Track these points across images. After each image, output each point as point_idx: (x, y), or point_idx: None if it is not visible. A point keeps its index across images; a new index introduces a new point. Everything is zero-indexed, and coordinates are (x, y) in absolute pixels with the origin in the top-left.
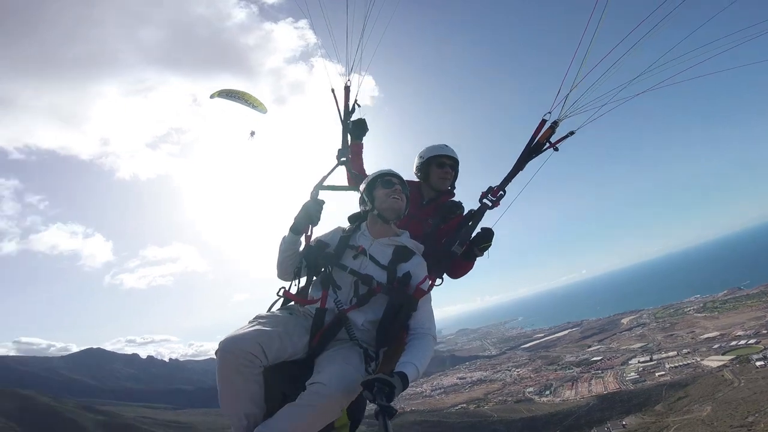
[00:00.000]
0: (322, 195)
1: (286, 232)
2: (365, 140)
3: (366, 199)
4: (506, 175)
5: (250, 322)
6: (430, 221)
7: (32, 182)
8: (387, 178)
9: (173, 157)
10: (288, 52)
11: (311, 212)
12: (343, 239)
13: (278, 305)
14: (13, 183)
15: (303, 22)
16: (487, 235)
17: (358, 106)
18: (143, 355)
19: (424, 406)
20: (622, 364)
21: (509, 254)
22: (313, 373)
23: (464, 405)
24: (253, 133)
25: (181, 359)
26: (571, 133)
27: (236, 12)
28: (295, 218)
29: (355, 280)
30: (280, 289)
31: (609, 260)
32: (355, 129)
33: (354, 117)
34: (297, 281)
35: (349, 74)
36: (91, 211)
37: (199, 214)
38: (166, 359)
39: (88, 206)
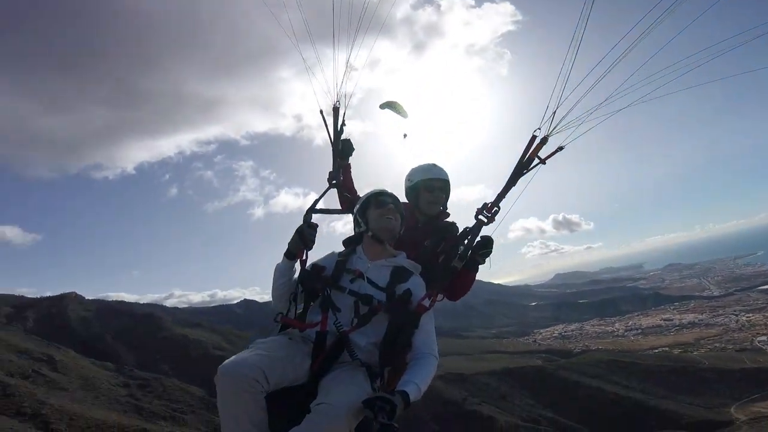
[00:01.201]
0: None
1: (279, 259)
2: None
3: (360, 220)
4: (500, 191)
5: (249, 348)
6: (426, 243)
7: (260, 160)
8: (380, 198)
9: (349, 119)
10: None
11: (305, 236)
12: (340, 263)
13: (276, 332)
14: (249, 163)
15: None
16: (487, 242)
17: (344, 125)
18: None
19: (614, 346)
20: None
21: (750, 164)
22: (318, 395)
23: (666, 348)
24: (405, 135)
25: None
26: (560, 148)
27: None
28: (288, 244)
29: (355, 301)
30: (277, 315)
31: None
32: (342, 149)
33: (342, 137)
34: (294, 307)
35: (337, 95)
36: (303, 175)
37: (382, 164)
38: None
39: (300, 171)
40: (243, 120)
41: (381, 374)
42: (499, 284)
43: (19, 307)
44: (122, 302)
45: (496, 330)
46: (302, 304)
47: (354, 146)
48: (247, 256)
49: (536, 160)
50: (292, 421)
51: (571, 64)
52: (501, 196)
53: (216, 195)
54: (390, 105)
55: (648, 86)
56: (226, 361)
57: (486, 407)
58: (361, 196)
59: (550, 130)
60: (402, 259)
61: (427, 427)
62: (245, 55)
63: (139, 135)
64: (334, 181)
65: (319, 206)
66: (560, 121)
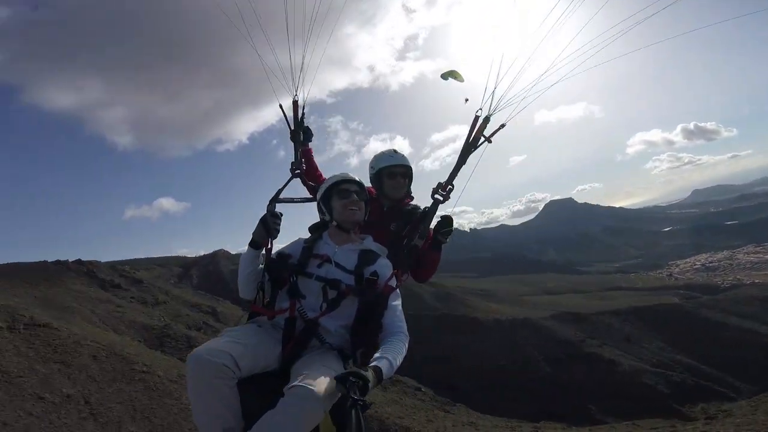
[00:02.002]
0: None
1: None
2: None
3: (324, 208)
4: (452, 170)
5: (219, 337)
6: (392, 227)
7: (348, 113)
8: (342, 186)
9: (418, 60)
10: None
11: (269, 225)
12: (306, 249)
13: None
14: (338, 119)
15: None
16: (447, 221)
17: (304, 115)
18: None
19: None
20: None
21: None
22: (291, 379)
23: None
24: (467, 100)
25: (478, 228)
26: (502, 125)
27: None
28: (252, 233)
29: (323, 286)
30: (245, 304)
31: None
32: (303, 137)
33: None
34: (262, 296)
35: (297, 88)
36: (387, 121)
37: (456, 96)
38: (467, 229)
39: (383, 118)
40: (324, 80)
41: (353, 357)
42: (620, 207)
43: (185, 267)
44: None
45: (620, 263)
46: (270, 292)
47: (313, 133)
48: None
49: (482, 139)
50: (265, 406)
51: (505, 44)
52: (453, 174)
53: (316, 151)
54: (451, 74)
55: (582, 57)
56: (196, 348)
57: (607, 349)
58: (325, 179)
59: (491, 109)
60: (369, 243)
61: (539, 368)
62: (311, 19)
63: (244, 108)
64: (297, 171)
65: (284, 195)
66: (499, 100)
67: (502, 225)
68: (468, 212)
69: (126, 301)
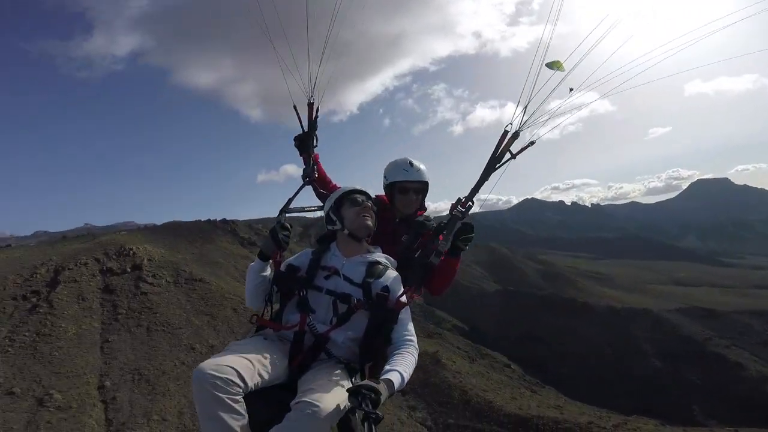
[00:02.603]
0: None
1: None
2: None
3: (334, 218)
4: (473, 186)
5: (225, 351)
6: (403, 239)
7: (451, 81)
8: (354, 196)
9: (533, 24)
10: None
11: (278, 237)
12: (314, 261)
13: (252, 333)
14: (442, 86)
15: None
16: (469, 228)
17: (317, 118)
18: (567, 201)
19: None
20: None
21: None
22: (298, 393)
23: None
24: (571, 90)
25: (602, 203)
26: (532, 143)
27: None
28: (261, 245)
29: (333, 300)
30: (252, 317)
31: None
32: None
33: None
34: (270, 308)
35: (313, 90)
36: (496, 88)
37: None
38: (588, 204)
39: (492, 85)
40: (426, 48)
41: (361, 371)
42: None
43: (305, 227)
44: None
45: None
46: (278, 304)
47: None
48: (451, 171)
49: (508, 155)
50: (272, 419)
51: (542, 60)
52: (474, 191)
53: (419, 119)
54: (554, 64)
55: (618, 78)
56: (201, 363)
57: (735, 351)
58: (337, 187)
59: (521, 125)
60: (378, 255)
61: (648, 362)
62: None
63: (352, 81)
64: (308, 179)
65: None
66: (530, 116)
67: (633, 202)
68: (590, 185)
69: None
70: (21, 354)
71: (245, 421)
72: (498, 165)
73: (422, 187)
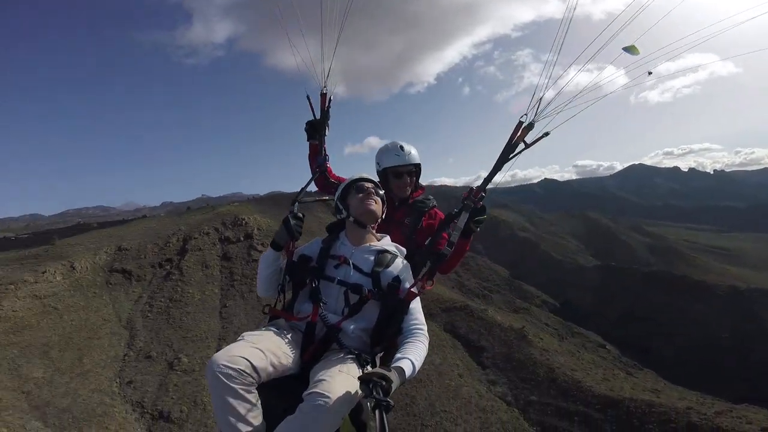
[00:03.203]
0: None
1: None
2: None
3: (341, 207)
4: (486, 176)
5: (237, 341)
6: (406, 221)
7: (537, 46)
8: (359, 183)
9: None
10: None
11: (291, 227)
12: (324, 250)
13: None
14: (527, 51)
15: None
16: (481, 209)
17: (330, 108)
18: (683, 167)
19: None
20: None
21: None
22: (309, 384)
23: None
24: (650, 73)
25: (728, 170)
26: (546, 134)
27: None
28: (275, 235)
29: (345, 290)
30: (265, 307)
31: None
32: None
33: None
34: (283, 298)
35: (326, 80)
36: (592, 51)
37: (694, 22)
38: (710, 170)
39: (588, 48)
40: (506, 14)
41: (372, 361)
42: None
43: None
44: (445, 186)
45: None
46: (290, 293)
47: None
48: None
49: (522, 145)
50: (286, 410)
51: (558, 51)
52: (487, 181)
53: (502, 86)
54: (631, 48)
55: (634, 71)
56: (215, 354)
57: None
58: (341, 179)
59: (536, 115)
60: (386, 243)
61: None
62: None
63: (428, 52)
64: (319, 168)
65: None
66: (546, 107)
67: (765, 168)
68: (712, 150)
69: None
70: (157, 319)
71: (259, 410)
72: (512, 155)
73: (415, 170)
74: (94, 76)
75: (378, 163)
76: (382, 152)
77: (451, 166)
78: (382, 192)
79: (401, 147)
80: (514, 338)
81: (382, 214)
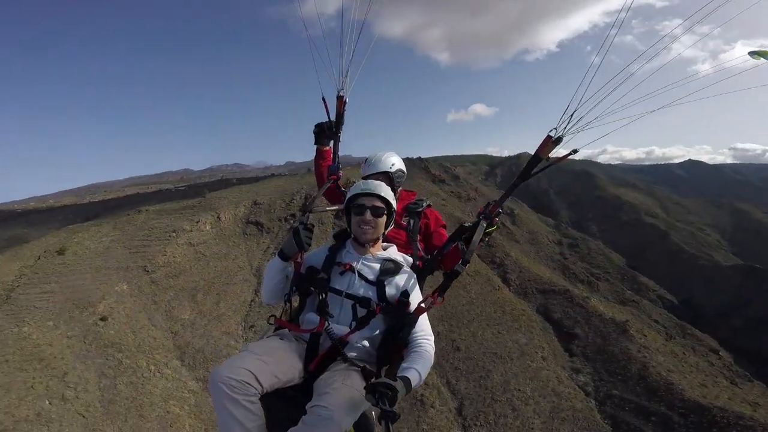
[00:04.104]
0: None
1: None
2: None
3: (346, 219)
4: (505, 191)
5: (241, 352)
6: (405, 222)
7: (688, 17)
8: (358, 201)
9: None
10: None
11: (301, 239)
12: (329, 258)
13: (270, 332)
14: (677, 21)
15: None
16: (493, 224)
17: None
18: None
19: None
20: None
21: None
22: (313, 396)
23: None
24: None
25: None
26: (575, 151)
27: None
28: (283, 244)
29: (353, 304)
30: (270, 318)
31: None
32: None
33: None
34: (289, 308)
35: (343, 83)
36: (765, 25)
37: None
38: None
39: (759, 21)
40: None
41: (377, 374)
42: None
43: (491, 166)
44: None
45: None
46: (297, 300)
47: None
48: (688, 113)
49: (546, 161)
50: (289, 419)
51: (597, 68)
52: (506, 196)
53: (642, 58)
54: (760, 53)
55: (667, 95)
56: (217, 366)
57: None
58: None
59: (565, 130)
60: (392, 252)
61: None
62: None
63: (548, 19)
64: (334, 176)
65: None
66: (576, 123)
67: None
68: None
69: (447, 195)
70: None
71: (261, 421)
72: (534, 171)
73: (398, 177)
74: (229, 50)
75: (362, 173)
76: (365, 165)
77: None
78: (383, 209)
79: (379, 160)
80: (613, 330)
81: (385, 230)
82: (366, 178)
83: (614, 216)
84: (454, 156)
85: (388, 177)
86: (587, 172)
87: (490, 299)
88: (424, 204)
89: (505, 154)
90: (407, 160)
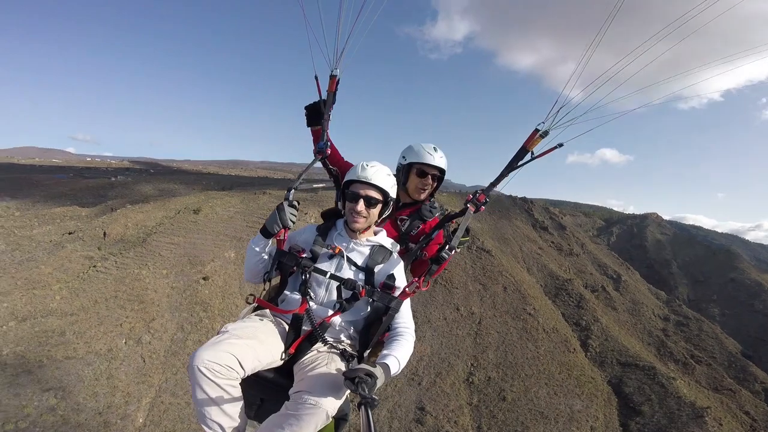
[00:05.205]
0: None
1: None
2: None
3: (340, 200)
4: (493, 180)
5: (219, 334)
6: (403, 219)
7: None
8: (353, 189)
9: None
10: None
11: (285, 216)
12: (318, 239)
13: (248, 312)
14: None
15: None
16: (467, 231)
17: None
18: None
19: None
20: None
21: None
22: (295, 381)
23: None
24: (561, 145)
25: None
26: (560, 145)
27: None
28: (266, 221)
29: (338, 286)
30: (249, 296)
31: None
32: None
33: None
34: (269, 287)
35: (337, 61)
36: None
37: None
38: None
39: None
40: None
41: (359, 357)
42: None
43: (608, 221)
44: (699, 227)
45: None
46: (277, 279)
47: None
48: None
49: (529, 155)
50: (264, 400)
51: (585, 63)
52: (493, 185)
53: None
54: None
55: (655, 90)
56: (197, 350)
57: None
58: (349, 164)
59: (552, 124)
60: (382, 237)
61: None
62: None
63: (712, 64)
64: (320, 154)
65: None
66: (562, 118)
67: None
68: None
69: (546, 244)
70: None
71: (241, 405)
72: (519, 164)
73: (441, 176)
74: (363, 61)
75: (404, 157)
76: (412, 149)
77: (719, 203)
78: (379, 199)
79: (435, 149)
80: (686, 415)
81: (378, 219)
82: (424, 165)
83: (747, 303)
84: (565, 201)
85: (442, 177)
86: (727, 250)
87: (560, 359)
88: (436, 213)
89: (630, 210)
90: (509, 198)
